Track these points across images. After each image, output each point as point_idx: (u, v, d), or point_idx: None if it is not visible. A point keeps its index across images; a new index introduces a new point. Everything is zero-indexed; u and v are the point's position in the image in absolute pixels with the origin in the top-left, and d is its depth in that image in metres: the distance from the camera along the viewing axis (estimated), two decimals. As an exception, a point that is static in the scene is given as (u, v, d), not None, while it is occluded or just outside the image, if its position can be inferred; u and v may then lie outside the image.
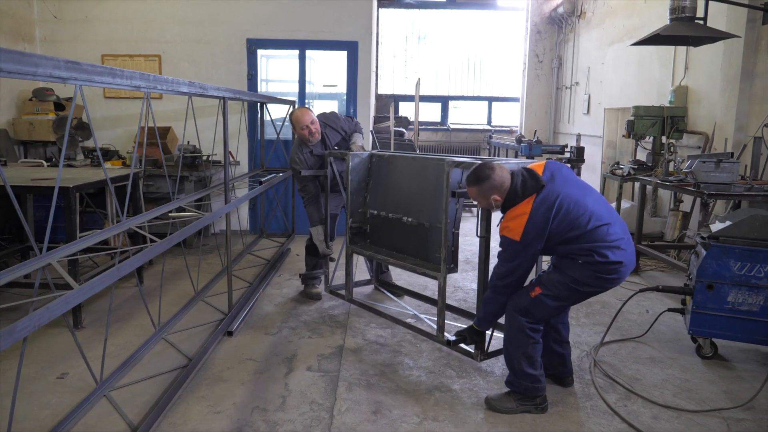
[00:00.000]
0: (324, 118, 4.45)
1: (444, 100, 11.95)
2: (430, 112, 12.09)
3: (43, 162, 5.65)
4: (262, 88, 6.77)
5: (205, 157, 6.02)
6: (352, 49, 6.49)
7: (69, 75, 1.87)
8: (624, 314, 3.98)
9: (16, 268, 2.19)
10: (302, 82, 6.68)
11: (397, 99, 11.77)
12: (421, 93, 11.77)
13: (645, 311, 4.19)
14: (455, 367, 3.25)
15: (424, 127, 11.63)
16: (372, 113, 6.71)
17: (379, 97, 11.81)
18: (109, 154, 6.18)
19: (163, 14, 6.41)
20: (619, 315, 3.82)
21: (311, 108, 4.71)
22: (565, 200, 2.63)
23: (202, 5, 6.40)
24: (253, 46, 6.51)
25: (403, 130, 8.45)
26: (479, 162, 2.86)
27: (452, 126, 11.91)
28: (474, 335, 3.06)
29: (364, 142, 4.67)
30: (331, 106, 6.87)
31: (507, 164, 2.84)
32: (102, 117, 6.46)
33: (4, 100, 5.90)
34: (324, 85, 6.72)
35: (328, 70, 6.76)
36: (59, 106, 6.12)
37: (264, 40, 6.51)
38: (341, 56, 6.59)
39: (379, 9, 11.48)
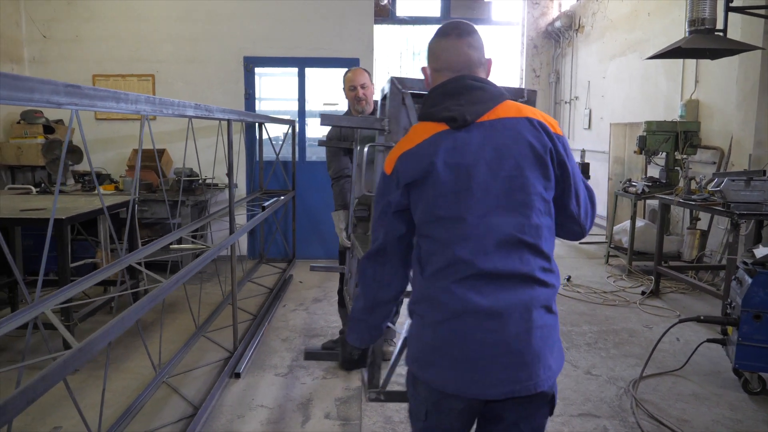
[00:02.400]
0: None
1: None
2: (427, 129, 11.92)
3: (32, 188, 5.36)
4: (259, 107, 6.54)
5: (200, 181, 5.76)
6: (352, 66, 6.28)
7: (68, 101, 1.62)
8: (652, 341, 3.76)
9: (4, 321, 1.92)
10: (302, 101, 6.45)
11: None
12: (418, 109, 11.62)
13: (676, 339, 3.96)
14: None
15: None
16: (374, 132, 6.50)
17: (373, 113, 11.62)
18: (101, 178, 5.91)
19: (156, 32, 6.18)
20: (649, 343, 3.59)
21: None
22: (451, 168, 1.43)
23: (197, 23, 6.18)
24: (251, 64, 6.28)
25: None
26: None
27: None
28: (348, 354, 1.74)
29: None
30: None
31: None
32: (93, 139, 6.17)
33: (-11, 124, 5.61)
34: (324, 104, 6.50)
35: (328, 88, 6.55)
36: (48, 128, 5.84)
37: (262, 58, 6.29)
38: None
39: (373, 26, 11.34)
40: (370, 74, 3.61)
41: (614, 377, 3.39)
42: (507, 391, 1.37)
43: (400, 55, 11.59)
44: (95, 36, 6.13)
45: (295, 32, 6.24)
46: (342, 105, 6.56)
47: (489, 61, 1.58)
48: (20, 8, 5.97)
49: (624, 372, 3.48)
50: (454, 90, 1.48)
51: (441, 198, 1.42)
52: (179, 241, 3.83)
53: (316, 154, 6.59)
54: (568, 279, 5.49)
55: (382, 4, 10.46)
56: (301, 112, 6.50)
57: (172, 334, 4.05)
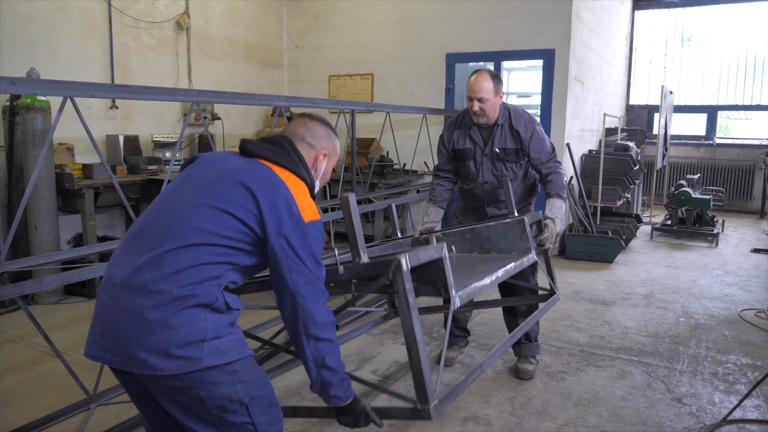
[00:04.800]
0: (514, 113, 3.11)
1: (710, 111, 10.17)
2: (693, 125, 10.44)
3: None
4: (458, 101, 6.93)
5: (394, 167, 6.50)
6: (548, 57, 6.16)
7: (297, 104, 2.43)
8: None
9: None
10: (496, 94, 6.60)
11: (651, 110, 10.48)
12: (683, 102, 10.28)
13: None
14: None
15: (680, 141, 10.12)
16: (567, 126, 6.20)
17: (630, 108, 10.72)
18: (326, 161, 7.18)
19: (377, 37, 7.12)
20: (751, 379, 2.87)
21: (499, 78, 3.06)
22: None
23: (410, 26, 6.89)
24: (452, 60, 6.72)
25: (629, 144, 7.51)
26: None
27: (719, 141, 10.07)
28: (349, 417, 1.80)
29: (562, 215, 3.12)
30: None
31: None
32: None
33: (253, 116, 7.37)
34: (518, 96, 6.53)
35: (525, 81, 6.55)
36: (290, 120, 7.36)
37: (462, 54, 6.66)
38: (538, 64, 6.31)
39: (635, 11, 10.43)
40: (497, 80, 3.03)
41: (699, 407, 2.85)
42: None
43: (665, 41, 10.37)
44: (333, 44, 7.42)
45: (493, 27, 6.41)
46: (534, 98, 6.49)
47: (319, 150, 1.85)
48: (282, 24, 7.62)
49: (711, 404, 2.88)
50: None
51: None
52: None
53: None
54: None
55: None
56: (496, 105, 6.65)
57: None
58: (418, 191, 5.95)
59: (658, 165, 8.29)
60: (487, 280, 2.25)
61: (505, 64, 6.54)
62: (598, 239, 6.14)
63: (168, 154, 5.70)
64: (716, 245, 6.92)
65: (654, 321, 4.26)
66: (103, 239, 4.97)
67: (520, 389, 3.15)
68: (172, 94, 2.60)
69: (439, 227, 3.37)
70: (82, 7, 5.22)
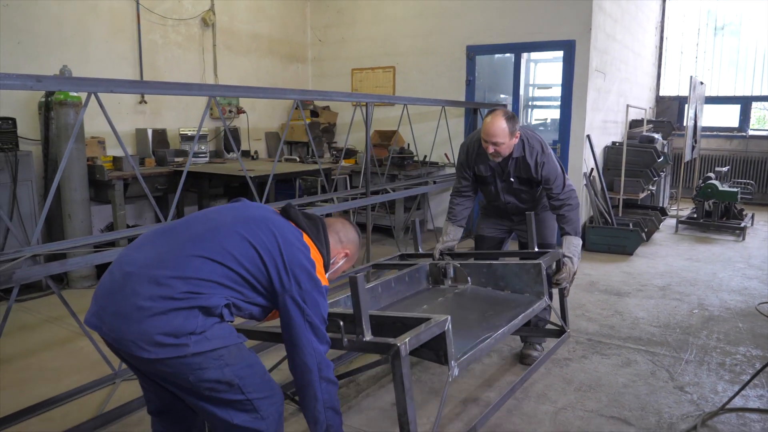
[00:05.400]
0: (528, 147, 3.13)
1: (744, 102, 9.92)
2: (726, 116, 10.20)
3: (296, 158, 7.09)
4: (479, 94, 6.96)
5: (414, 158, 6.59)
6: (568, 48, 6.13)
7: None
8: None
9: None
10: (516, 85, 6.62)
11: (682, 101, 10.27)
12: (715, 93, 10.05)
13: None
14: None
15: (711, 133, 9.91)
16: (588, 117, 6.16)
17: (660, 99, 10.54)
18: (349, 154, 7.32)
19: (398, 30, 7.20)
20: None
21: (515, 118, 3.07)
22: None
23: (430, 19, 6.95)
24: (472, 52, 6.75)
25: (654, 135, 7.41)
26: None
27: (752, 132, 9.82)
28: None
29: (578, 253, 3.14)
30: (547, 113, 6.61)
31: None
32: (357, 120, 7.62)
33: (278, 110, 7.55)
34: (538, 87, 6.52)
35: (550, 72, 6.54)
36: (314, 113, 7.52)
37: (481, 46, 6.69)
38: (558, 56, 6.30)
39: (666, 0, 10.21)
40: (512, 121, 3.01)
41: (700, 395, 2.88)
42: None
43: (698, 31, 10.14)
44: (355, 38, 7.53)
45: (513, 19, 6.41)
46: (555, 90, 6.47)
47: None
48: (306, 19, 7.77)
49: (712, 392, 2.90)
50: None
51: None
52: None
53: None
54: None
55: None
56: (515, 97, 6.67)
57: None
58: (434, 182, 6.02)
59: (686, 157, 8.15)
60: (490, 341, 2.33)
61: (532, 55, 6.52)
62: (618, 231, 6.12)
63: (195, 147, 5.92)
64: (743, 239, 6.79)
65: (667, 312, 4.27)
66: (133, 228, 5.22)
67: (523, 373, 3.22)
68: (188, 89, 2.76)
69: (456, 246, 3.48)
70: (111, 6, 5.46)
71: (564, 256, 3.04)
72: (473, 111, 6.70)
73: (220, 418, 1.75)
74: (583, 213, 6.46)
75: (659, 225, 7.14)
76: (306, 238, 1.88)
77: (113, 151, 5.31)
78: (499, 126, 2.98)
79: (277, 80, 7.42)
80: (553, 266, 3.00)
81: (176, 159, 5.53)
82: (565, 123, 6.26)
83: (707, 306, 4.41)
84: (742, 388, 2.88)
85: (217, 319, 1.71)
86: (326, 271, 1.94)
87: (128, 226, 5.12)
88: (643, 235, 6.26)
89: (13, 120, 4.41)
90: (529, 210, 3.29)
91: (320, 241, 1.93)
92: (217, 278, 1.70)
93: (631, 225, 6.31)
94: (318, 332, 1.81)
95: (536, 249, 3.07)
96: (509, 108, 6.60)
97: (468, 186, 3.41)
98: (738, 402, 2.88)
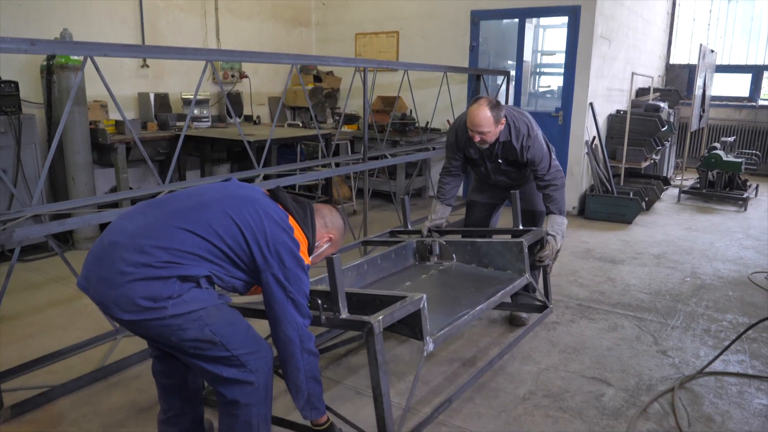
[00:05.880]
0: (514, 130, 3.14)
1: (756, 71, 9.75)
2: (737, 85, 10.04)
3: (299, 123, 7.10)
4: (483, 59, 6.89)
5: (421, 125, 6.58)
6: (573, 13, 6.04)
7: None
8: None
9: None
10: (520, 51, 6.55)
11: (692, 69, 10.10)
12: (727, 62, 9.88)
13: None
14: None
15: (721, 103, 9.77)
16: (592, 85, 6.10)
17: (671, 67, 10.37)
18: (351, 119, 7.32)
19: (403, -6, 7.10)
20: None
21: (499, 105, 3.03)
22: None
23: (436, -18, 6.85)
24: (476, 17, 6.67)
25: (660, 104, 7.33)
26: None
27: (762, 102, 9.68)
28: None
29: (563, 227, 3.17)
30: (550, 80, 6.54)
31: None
32: (357, 86, 7.59)
33: (281, 74, 7.52)
34: (542, 53, 6.45)
35: (554, 40, 6.45)
36: (317, 78, 7.49)
37: (486, 11, 6.60)
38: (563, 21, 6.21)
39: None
40: (497, 109, 3.00)
41: (683, 359, 2.96)
42: None
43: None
44: (359, 1, 7.43)
45: (519, -17, 6.31)
46: (559, 57, 6.39)
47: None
48: (310, -18, 7.68)
49: (694, 355, 2.98)
50: None
51: None
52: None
53: (534, 104, 6.64)
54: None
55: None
56: (519, 64, 6.60)
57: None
58: (434, 148, 6.03)
59: (693, 126, 8.06)
60: (467, 317, 2.41)
61: (541, 21, 6.43)
62: (618, 200, 6.13)
63: (196, 111, 5.95)
64: (745, 210, 6.79)
65: (659, 280, 4.32)
66: (136, 191, 5.31)
67: (511, 336, 3.32)
68: (183, 53, 2.79)
69: (445, 224, 3.55)
70: (113, -32, 5.43)
71: (548, 234, 3.11)
72: (476, 77, 6.66)
73: (210, 371, 1.86)
74: (584, 182, 6.47)
75: (660, 195, 7.14)
76: (291, 220, 1.96)
77: (116, 114, 5.36)
78: (483, 116, 2.99)
79: (280, 45, 7.38)
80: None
81: (178, 123, 5.57)
82: (568, 90, 6.21)
83: (700, 274, 4.46)
84: (722, 352, 2.95)
85: (193, 284, 1.79)
86: (311, 253, 2.02)
87: (131, 189, 5.21)
88: (643, 204, 6.27)
89: (16, 83, 4.46)
90: (519, 185, 3.36)
91: (306, 224, 2.01)
92: (198, 251, 1.79)
93: (631, 194, 6.31)
94: (300, 308, 1.90)
95: (521, 226, 3.16)
96: (512, 75, 6.56)
97: (458, 166, 3.45)
98: (718, 366, 2.96)
